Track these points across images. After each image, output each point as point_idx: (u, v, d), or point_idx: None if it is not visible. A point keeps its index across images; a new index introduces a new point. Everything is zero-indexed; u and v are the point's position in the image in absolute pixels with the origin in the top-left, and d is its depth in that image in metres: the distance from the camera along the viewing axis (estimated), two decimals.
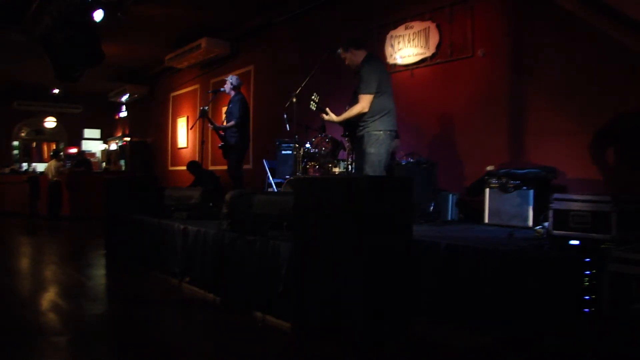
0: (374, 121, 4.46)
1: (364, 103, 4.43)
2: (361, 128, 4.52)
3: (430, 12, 6.15)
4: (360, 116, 4.53)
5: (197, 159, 8.67)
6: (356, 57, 4.63)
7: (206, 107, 6.81)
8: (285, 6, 8.16)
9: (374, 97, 4.44)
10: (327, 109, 4.81)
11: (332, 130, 6.23)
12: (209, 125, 6.82)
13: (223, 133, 6.79)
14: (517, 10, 5.36)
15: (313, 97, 4.87)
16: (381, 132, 4.46)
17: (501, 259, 3.08)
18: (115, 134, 16.88)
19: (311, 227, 3.19)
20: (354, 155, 4.97)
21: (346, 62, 4.74)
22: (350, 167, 5.03)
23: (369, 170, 4.41)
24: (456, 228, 4.66)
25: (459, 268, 3.23)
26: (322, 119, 4.85)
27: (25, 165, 14.52)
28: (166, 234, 4.95)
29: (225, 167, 7.13)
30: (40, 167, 14.36)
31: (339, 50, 4.77)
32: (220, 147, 6.86)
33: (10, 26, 9.11)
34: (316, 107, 4.88)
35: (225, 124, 6.84)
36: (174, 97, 12.81)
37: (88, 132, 17.43)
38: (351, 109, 4.54)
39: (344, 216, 2.96)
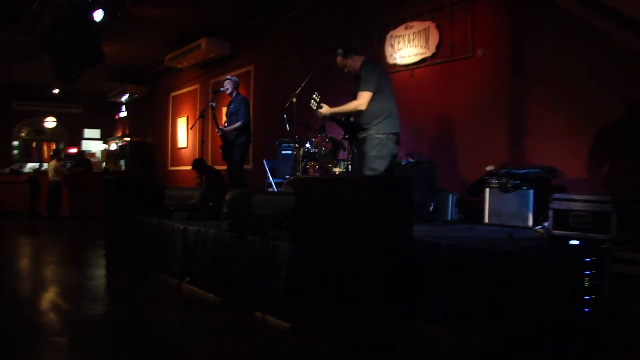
0: (376, 124, 4.44)
1: (361, 100, 4.41)
2: (363, 130, 4.50)
3: (430, 12, 6.14)
4: (359, 116, 4.49)
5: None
6: (356, 62, 4.63)
7: (213, 104, 6.84)
8: (285, 6, 8.15)
9: (375, 99, 4.42)
10: (322, 104, 4.76)
11: (332, 130, 6.23)
12: (216, 131, 6.83)
13: (227, 125, 6.81)
14: (517, 10, 5.36)
15: (314, 96, 4.84)
16: (384, 135, 4.44)
17: (501, 259, 3.08)
18: (115, 134, 16.88)
19: (311, 227, 3.19)
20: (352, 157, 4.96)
21: (345, 70, 4.71)
22: (350, 167, 5.03)
23: (369, 173, 4.38)
24: (456, 228, 4.66)
25: (459, 268, 3.23)
26: (318, 115, 4.81)
27: (28, 166, 14.40)
28: (166, 234, 4.95)
29: (224, 167, 7.14)
30: (43, 166, 14.31)
31: (339, 51, 4.74)
32: (221, 148, 6.86)
33: (10, 26, 9.12)
34: (316, 107, 4.86)
35: (227, 124, 6.87)
36: (174, 97, 12.81)
37: (88, 132, 17.43)
38: (347, 103, 4.51)
39: (343, 216, 2.96)
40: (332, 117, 4.82)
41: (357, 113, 4.52)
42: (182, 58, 10.40)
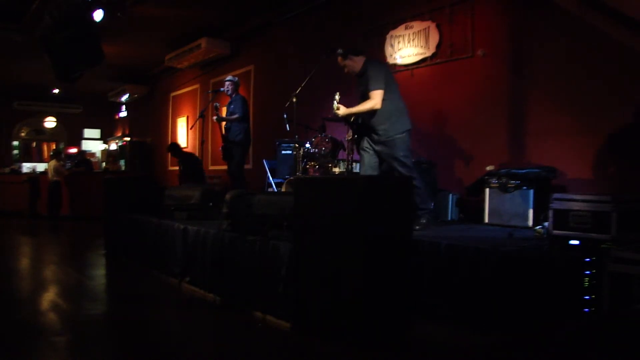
0: (393, 123, 4.43)
1: (376, 99, 4.39)
2: (382, 132, 4.45)
3: (430, 12, 6.15)
4: (369, 116, 4.46)
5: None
6: (356, 63, 4.59)
7: (217, 104, 7.03)
8: (285, 6, 8.16)
9: (386, 99, 4.41)
10: (339, 104, 4.70)
11: (332, 130, 6.24)
12: (214, 117, 7.02)
13: (228, 126, 6.85)
14: (517, 10, 5.36)
15: (336, 96, 4.73)
16: (404, 134, 4.46)
17: (501, 259, 3.08)
18: (115, 134, 16.89)
19: (311, 226, 3.19)
20: (353, 156, 4.95)
21: (345, 70, 4.68)
22: (350, 166, 5.02)
23: (405, 172, 4.38)
24: (456, 228, 4.66)
25: (459, 268, 3.23)
26: (336, 115, 4.73)
27: (26, 166, 14.40)
28: (166, 234, 4.95)
29: (224, 167, 7.15)
30: (40, 167, 14.32)
31: (339, 52, 4.70)
32: (222, 148, 6.89)
33: (10, 26, 9.12)
34: (335, 107, 4.74)
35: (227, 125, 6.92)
36: (174, 97, 12.82)
37: (88, 132, 17.44)
38: (363, 103, 4.46)
39: (343, 216, 2.96)
40: (345, 117, 4.77)
41: (367, 113, 4.50)
42: (182, 58, 10.41)
